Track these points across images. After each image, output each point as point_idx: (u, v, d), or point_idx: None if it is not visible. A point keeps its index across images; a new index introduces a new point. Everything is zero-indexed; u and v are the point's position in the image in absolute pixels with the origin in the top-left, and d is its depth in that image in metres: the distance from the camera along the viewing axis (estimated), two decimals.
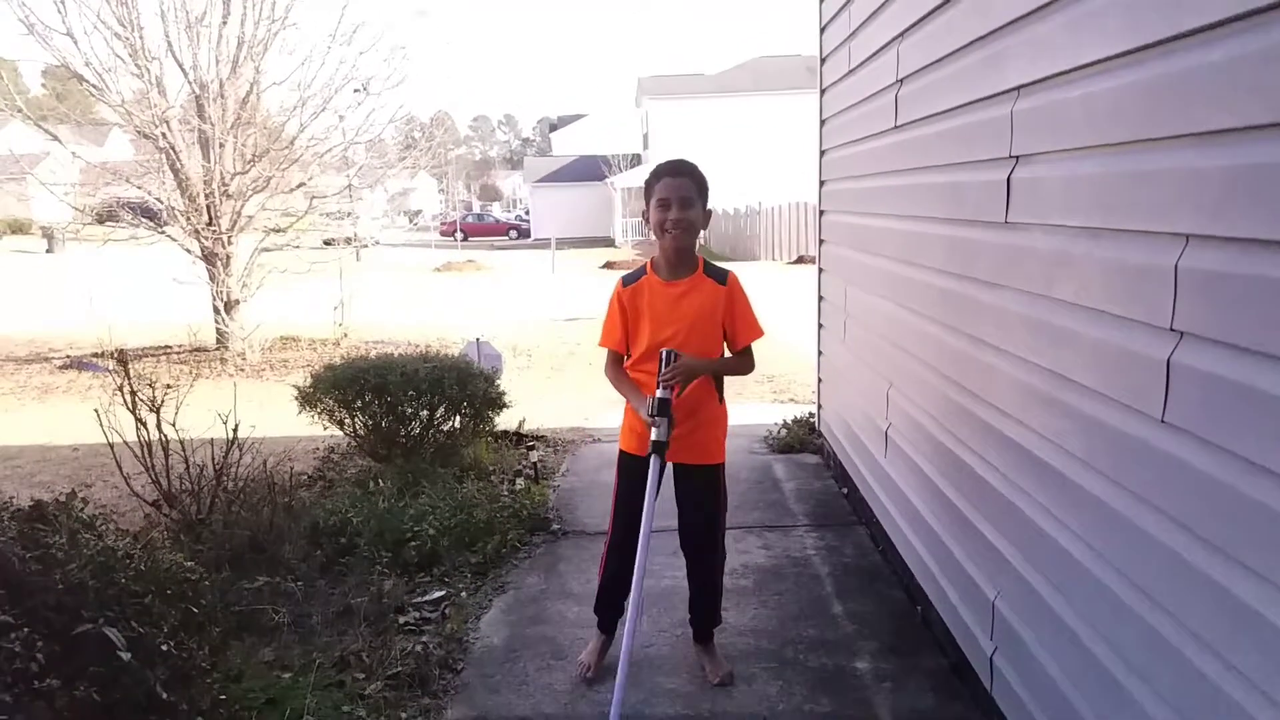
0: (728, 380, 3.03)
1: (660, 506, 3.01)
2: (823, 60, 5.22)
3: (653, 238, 2.87)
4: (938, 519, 3.20)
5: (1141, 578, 1.86)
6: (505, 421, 5.87)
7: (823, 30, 5.13)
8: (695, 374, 2.79)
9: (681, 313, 2.83)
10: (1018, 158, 2.45)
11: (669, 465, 2.92)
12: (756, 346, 2.95)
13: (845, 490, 4.90)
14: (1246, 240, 1.52)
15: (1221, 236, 1.59)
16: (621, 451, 3.01)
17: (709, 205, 2.89)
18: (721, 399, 2.98)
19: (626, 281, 2.94)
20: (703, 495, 3.00)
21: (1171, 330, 1.72)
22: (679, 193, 2.77)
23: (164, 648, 2.32)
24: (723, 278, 2.88)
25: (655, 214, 2.81)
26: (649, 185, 2.86)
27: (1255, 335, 1.50)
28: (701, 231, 2.92)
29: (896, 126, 3.63)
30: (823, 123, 5.30)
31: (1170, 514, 1.75)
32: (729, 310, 2.88)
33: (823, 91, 5.25)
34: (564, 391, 8.01)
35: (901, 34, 3.46)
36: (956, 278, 2.98)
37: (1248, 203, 1.51)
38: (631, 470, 2.94)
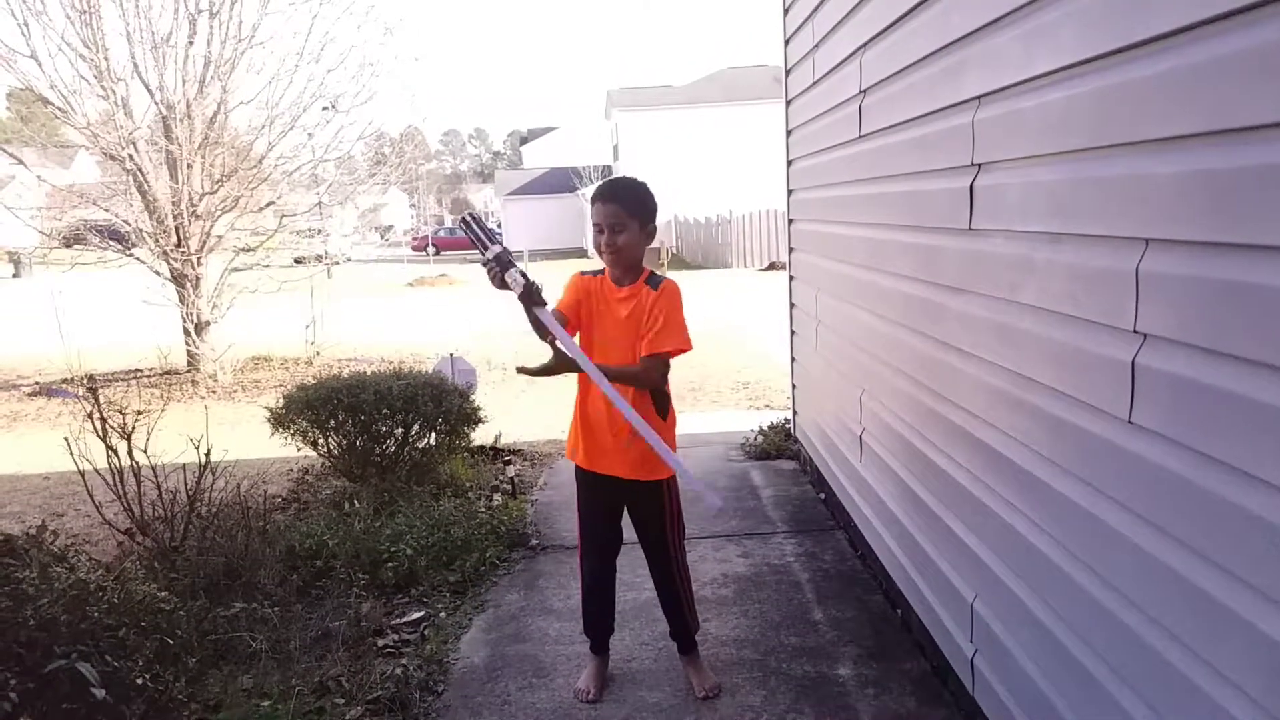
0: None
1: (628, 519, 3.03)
2: (788, 72, 5.26)
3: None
4: (914, 522, 3.22)
5: (1114, 576, 1.88)
6: (481, 437, 5.83)
7: (787, 43, 5.16)
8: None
9: (617, 316, 2.82)
10: (980, 165, 2.48)
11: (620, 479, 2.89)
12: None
13: (823, 495, 4.93)
14: (1202, 244, 1.56)
15: (1179, 240, 1.62)
16: (575, 466, 3.02)
17: (652, 221, 2.86)
18: (662, 413, 2.84)
19: (584, 273, 2.94)
20: (645, 512, 2.98)
21: (1135, 332, 1.75)
22: (608, 219, 2.79)
23: (139, 681, 2.29)
24: (657, 284, 2.81)
25: (594, 235, 2.86)
26: (591, 204, 2.89)
27: (1216, 336, 1.53)
28: (660, 242, 2.92)
29: (861, 136, 3.67)
30: (789, 133, 5.34)
31: (1140, 513, 1.77)
32: (649, 311, 2.76)
33: (788, 102, 5.29)
34: (540, 405, 7.97)
35: (864, 45, 3.49)
36: (923, 284, 3.01)
37: (1201, 207, 1.55)
38: (584, 484, 3.00)
